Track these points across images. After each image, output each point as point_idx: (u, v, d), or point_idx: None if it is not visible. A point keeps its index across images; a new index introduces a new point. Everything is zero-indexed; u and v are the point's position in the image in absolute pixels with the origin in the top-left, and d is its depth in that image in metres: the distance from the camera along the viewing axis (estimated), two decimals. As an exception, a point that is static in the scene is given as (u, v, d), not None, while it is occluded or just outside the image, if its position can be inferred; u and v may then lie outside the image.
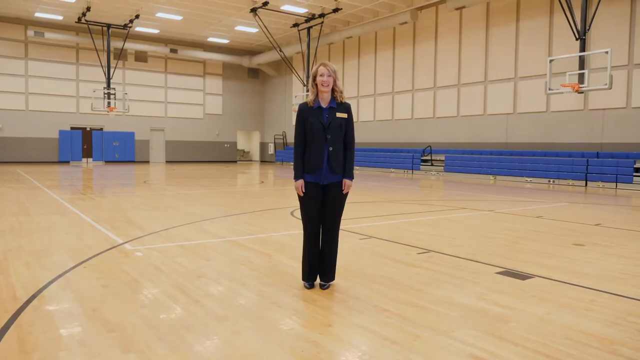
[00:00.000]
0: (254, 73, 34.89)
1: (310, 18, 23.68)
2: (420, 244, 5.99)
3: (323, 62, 3.95)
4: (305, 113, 3.95)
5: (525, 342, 2.96)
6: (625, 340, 3.02)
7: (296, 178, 3.95)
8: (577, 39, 14.56)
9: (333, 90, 3.94)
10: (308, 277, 4.08)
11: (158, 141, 31.49)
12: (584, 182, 16.20)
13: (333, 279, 4.11)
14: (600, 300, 3.84)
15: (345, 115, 3.96)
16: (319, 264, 4.06)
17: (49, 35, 26.04)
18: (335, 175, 3.96)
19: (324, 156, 3.90)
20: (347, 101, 4.04)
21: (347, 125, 3.98)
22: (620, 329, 3.20)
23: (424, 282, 4.28)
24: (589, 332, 3.15)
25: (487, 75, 20.25)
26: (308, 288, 4.04)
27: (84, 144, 28.89)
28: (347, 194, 4.04)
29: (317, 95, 3.94)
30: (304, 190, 3.94)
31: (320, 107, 3.93)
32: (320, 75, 3.88)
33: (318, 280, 4.12)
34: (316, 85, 3.91)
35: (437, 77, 22.35)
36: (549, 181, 17.05)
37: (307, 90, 20.84)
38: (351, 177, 3.98)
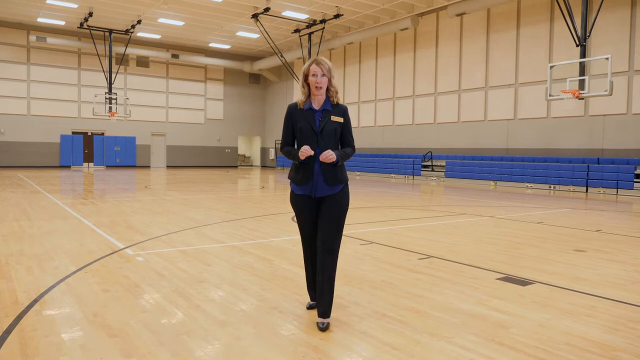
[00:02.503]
0: (255, 78, 34.99)
1: (311, 24, 23.77)
2: (421, 249, 5.99)
3: (316, 58, 3.40)
4: (295, 115, 3.45)
5: (525, 348, 2.97)
6: (626, 347, 3.02)
7: (297, 153, 3.34)
8: (577, 45, 14.61)
9: (327, 89, 3.43)
10: (311, 292, 3.72)
11: (159, 146, 31.54)
12: (585, 188, 16.20)
13: (329, 315, 3.36)
14: (601, 306, 3.84)
15: (341, 120, 3.46)
16: (315, 291, 3.60)
17: (51, 40, 26.14)
18: (330, 187, 3.41)
19: (315, 166, 3.38)
20: (344, 104, 3.56)
21: (344, 129, 3.48)
22: (621, 335, 3.21)
23: (424, 288, 4.29)
24: (589, 338, 3.16)
25: (488, 81, 20.31)
26: (309, 308, 3.69)
27: (85, 148, 28.94)
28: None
29: (308, 95, 3.45)
30: (303, 159, 3.32)
31: (312, 109, 3.42)
32: (313, 75, 3.35)
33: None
34: (307, 84, 3.42)
35: (438, 83, 22.41)
36: (550, 187, 17.06)
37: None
38: (338, 156, 3.33)
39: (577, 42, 14.57)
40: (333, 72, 3.41)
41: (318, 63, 3.35)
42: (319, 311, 3.36)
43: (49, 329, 3.20)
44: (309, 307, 3.68)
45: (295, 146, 3.49)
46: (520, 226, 8.15)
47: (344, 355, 2.89)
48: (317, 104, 3.45)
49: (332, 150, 3.36)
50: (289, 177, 3.53)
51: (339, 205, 3.43)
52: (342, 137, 3.51)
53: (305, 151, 3.28)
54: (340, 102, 3.52)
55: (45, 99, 27.57)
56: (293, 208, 3.58)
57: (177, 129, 31.86)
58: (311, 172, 3.39)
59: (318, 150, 3.36)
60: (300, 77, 3.49)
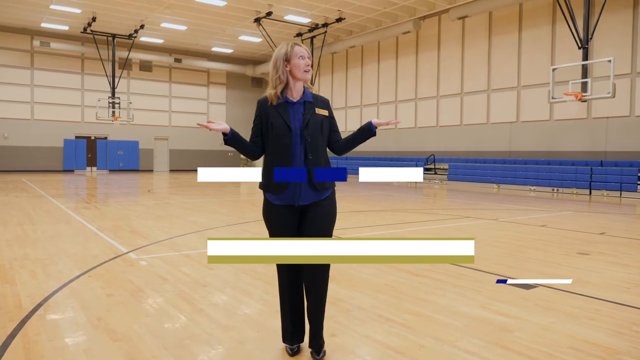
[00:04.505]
0: (258, 82, 35.07)
1: (313, 28, 23.83)
2: (424, 253, 5.97)
3: (294, 42, 2.84)
4: (266, 111, 2.83)
5: (529, 352, 2.96)
6: (630, 350, 3.01)
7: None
8: (579, 48, 14.61)
9: None
10: (292, 338, 2.95)
11: (162, 150, 31.61)
12: (588, 190, 16.15)
13: (323, 342, 2.92)
14: (605, 309, 3.83)
15: (326, 113, 2.90)
16: (306, 321, 3.00)
17: (55, 45, 26.26)
18: (317, 193, 2.83)
19: (300, 167, 2.80)
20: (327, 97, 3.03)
21: (332, 123, 2.95)
22: (625, 339, 3.20)
23: (427, 291, 4.28)
24: (593, 341, 3.15)
25: (490, 84, 20.30)
26: (291, 355, 2.91)
27: (89, 152, 29.03)
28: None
29: (286, 85, 2.82)
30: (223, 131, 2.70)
31: (286, 102, 2.83)
32: (301, 57, 2.78)
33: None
34: (288, 72, 2.79)
35: (440, 86, 22.42)
36: (553, 190, 17.01)
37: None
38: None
39: (580, 45, 14.56)
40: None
41: (300, 45, 2.83)
42: (314, 342, 2.88)
43: (52, 334, 3.21)
44: (294, 354, 2.92)
45: (267, 151, 2.89)
46: (523, 229, 8.14)
47: (347, 359, 2.88)
48: (295, 95, 2.85)
49: (320, 148, 2.85)
50: (261, 186, 2.87)
51: (327, 215, 2.88)
52: (330, 133, 2.95)
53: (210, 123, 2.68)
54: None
55: (49, 104, 27.67)
56: (269, 224, 2.92)
57: (180, 133, 31.93)
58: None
59: (299, 149, 2.79)
60: (279, 63, 2.80)
